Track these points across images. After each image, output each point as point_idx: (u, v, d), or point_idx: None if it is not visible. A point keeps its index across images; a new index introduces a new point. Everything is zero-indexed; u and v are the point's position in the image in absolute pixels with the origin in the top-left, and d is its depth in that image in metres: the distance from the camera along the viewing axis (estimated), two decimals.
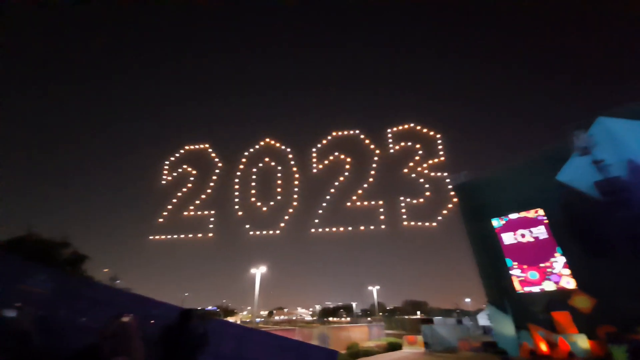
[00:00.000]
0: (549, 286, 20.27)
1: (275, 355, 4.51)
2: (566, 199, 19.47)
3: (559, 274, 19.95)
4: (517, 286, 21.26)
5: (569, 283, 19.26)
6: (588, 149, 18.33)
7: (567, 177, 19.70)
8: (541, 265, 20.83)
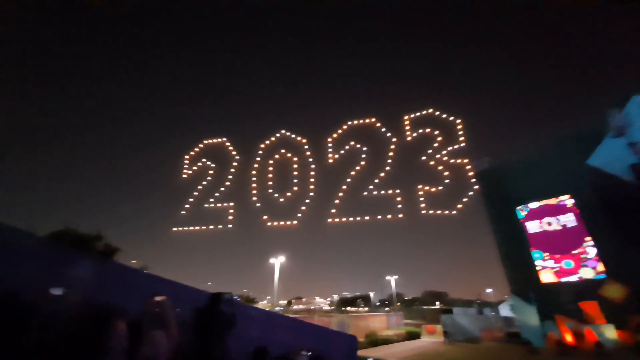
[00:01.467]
0: (585, 274, 19.18)
1: (298, 338, 4.68)
2: (598, 184, 18.40)
3: (588, 262, 19.06)
4: (549, 276, 20.53)
5: (599, 271, 18.42)
6: (623, 130, 17.19)
7: (600, 161, 18.56)
8: (570, 253, 19.93)
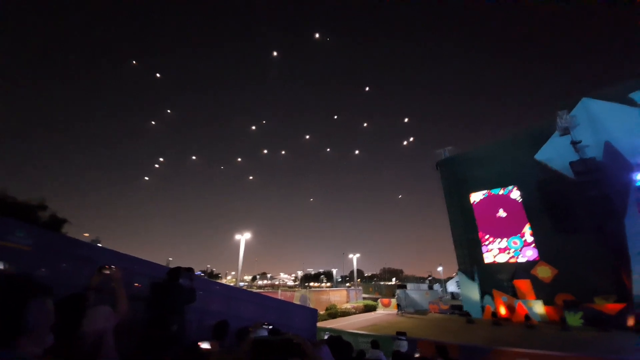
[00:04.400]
0: (502, 258, 22.13)
1: (260, 312, 4.78)
2: (542, 177, 20.51)
3: (515, 250, 21.72)
4: (491, 257, 22.92)
5: (534, 255, 20.93)
6: (569, 129, 18.97)
7: (545, 156, 20.58)
8: (504, 239, 22.46)
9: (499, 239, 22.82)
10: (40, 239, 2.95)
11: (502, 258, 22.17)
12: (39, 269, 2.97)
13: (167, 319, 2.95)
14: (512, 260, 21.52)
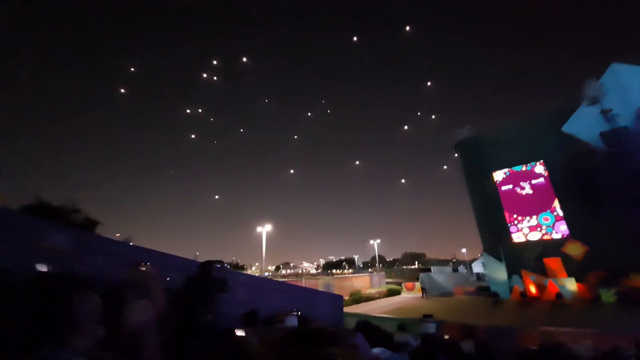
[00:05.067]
0: (535, 236, 21.25)
1: (286, 300, 4.90)
2: (570, 150, 19.39)
3: (548, 227, 20.80)
4: (519, 236, 22.20)
5: (555, 235, 20.09)
6: (598, 98, 17.73)
7: (574, 128, 19.35)
8: (534, 216, 21.56)
9: (528, 217, 21.98)
10: (78, 240, 3.16)
11: (535, 236, 21.35)
12: (79, 268, 3.19)
13: (201, 309, 3.10)
14: (547, 237, 20.63)
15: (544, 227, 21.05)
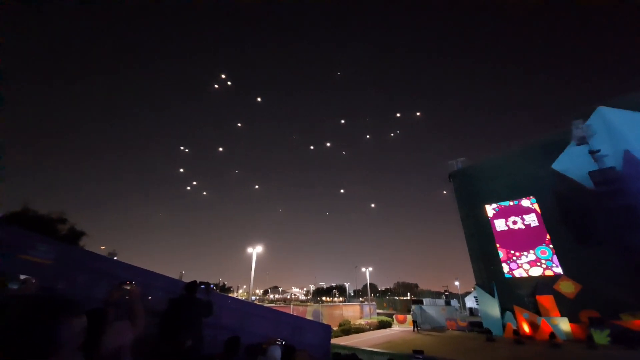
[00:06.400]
0: (536, 271, 20.97)
1: (273, 327, 4.70)
2: (559, 187, 19.83)
3: (547, 260, 20.62)
4: (506, 270, 21.94)
5: (556, 269, 19.92)
6: (585, 139, 18.44)
7: (563, 166, 19.95)
8: (531, 251, 21.45)
9: (518, 253, 21.86)
10: (61, 253, 3.05)
11: (536, 271, 20.82)
12: (59, 282, 3.05)
13: (182, 333, 2.95)
14: (549, 273, 20.07)
15: (543, 261, 20.75)
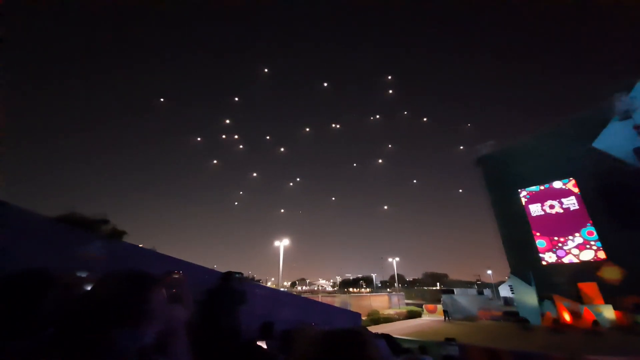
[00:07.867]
0: (588, 255, 19.31)
1: (303, 315, 4.90)
2: (599, 167, 18.33)
3: (596, 241, 19.18)
4: (549, 258, 20.77)
5: (599, 254, 18.63)
6: (629, 113, 16.90)
7: (605, 144, 18.39)
8: (576, 234, 20.06)
9: (557, 238, 20.58)
10: (112, 249, 3.40)
11: (588, 255, 19.16)
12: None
13: (222, 320, 3.19)
14: (601, 255, 18.52)
15: (592, 242, 19.11)
